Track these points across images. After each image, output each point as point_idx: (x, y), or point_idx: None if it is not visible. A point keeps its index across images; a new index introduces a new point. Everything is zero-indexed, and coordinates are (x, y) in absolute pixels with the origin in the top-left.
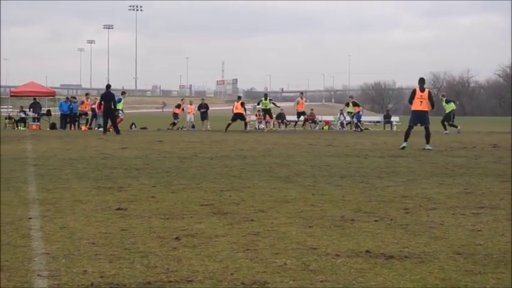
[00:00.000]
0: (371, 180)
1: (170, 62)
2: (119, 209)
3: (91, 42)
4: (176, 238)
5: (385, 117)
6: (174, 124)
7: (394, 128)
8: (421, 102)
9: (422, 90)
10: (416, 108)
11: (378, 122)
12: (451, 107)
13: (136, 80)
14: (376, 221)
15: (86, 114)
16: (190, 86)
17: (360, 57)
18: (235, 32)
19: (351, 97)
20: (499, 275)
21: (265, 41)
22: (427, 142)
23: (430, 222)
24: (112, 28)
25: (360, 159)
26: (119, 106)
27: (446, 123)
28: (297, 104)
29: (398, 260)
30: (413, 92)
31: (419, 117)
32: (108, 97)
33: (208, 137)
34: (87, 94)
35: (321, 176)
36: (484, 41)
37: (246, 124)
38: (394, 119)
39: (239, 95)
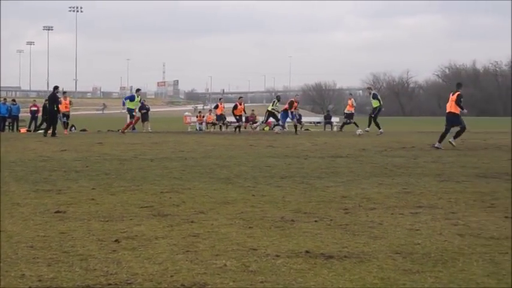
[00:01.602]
0: (311, 180)
1: (111, 63)
2: (57, 211)
3: (30, 43)
4: (116, 240)
5: (325, 118)
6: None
7: (335, 129)
8: (451, 105)
9: (453, 93)
10: (448, 110)
11: (318, 122)
12: (375, 103)
13: (76, 82)
14: (316, 221)
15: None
16: (131, 87)
17: (302, 59)
18: (176, 33)
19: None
20: (436, 274)
21: (207, 42)
22: (455, 138)
23: (369, 222)
24: (52, 29)
25: (300, 160)
26: (131, 105)
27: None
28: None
29: (337, 259)
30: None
31: (450, 118)
32: (51, 99)
33: (149, 138)
34: (64, 93)
35: (261, 177)
36: (424, 42)
37: (226, 126)
38: (335, 119)
39: (240, 96)
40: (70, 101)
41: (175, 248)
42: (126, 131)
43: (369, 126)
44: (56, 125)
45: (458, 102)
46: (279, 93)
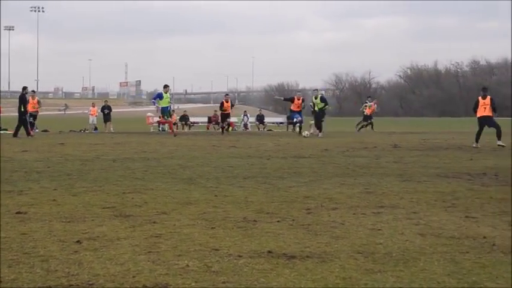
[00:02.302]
0: (274, 181)
1: (73, 64)
2: (18, 212)
3: None
4: (77, 241)
5: (288, 118)
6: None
7: (297, 129)
8: (485, 108)
9: (484, 97)
10: (481, 114)
11: (281, 123)
12: (321, 104)
13: (37, 82)
14: (278, 221)
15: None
16: (93, 87)
17: (264, 59)
18: (139, 33)
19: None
20: (398, 273)
21: (170, 43)
22: (499, 139)
23: (331, 222)
24: (13, 29)
25: (263, 160)
26: (163, 103)
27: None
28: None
29: (300, 260)
30: (477, 101)
31: (486, 121)
32: (20, 100)
33: (111, 139)
34: (34, 92)
35: (223, 178)
36: (386, 43)
37: (229, 126)
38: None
39: (227, 93)
40: (38, 101)
41: (137, 248)
42: (174, 131)
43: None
44: (24, 125)
45: (493, 105)
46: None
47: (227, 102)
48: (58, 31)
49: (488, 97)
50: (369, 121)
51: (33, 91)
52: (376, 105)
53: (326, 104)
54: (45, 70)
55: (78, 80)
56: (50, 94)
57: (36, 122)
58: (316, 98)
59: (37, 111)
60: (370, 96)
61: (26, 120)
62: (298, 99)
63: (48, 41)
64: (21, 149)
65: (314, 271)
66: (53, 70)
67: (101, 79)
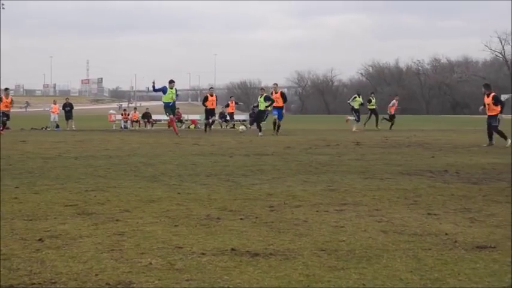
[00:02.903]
0: (237, 178)
1: (34, 61)
2: None
3: None
4: (39, 240)
5: (250, 115)
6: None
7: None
8: (488, 106)
9: (488, 95)
10: (488, 114)
11: (244, 120)
12: (261, 103)
13: None
14: (241, 219)
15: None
16: (55, 85)
17: (227, 57)
18: (101, 30)
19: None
20: (361, 270)
21: (132, 40)
22: (505, 139)
23: (294, 219)
24: None
25: (226, 157)
26: (164, 98)
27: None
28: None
29: (263, 257)
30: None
31: (488, 121)
32: None
33: (73, 136)
34: (6, 89)
35: (186, 175)
36: (349, 41)
37: (213, 122)
38: None
39: (211, 87)
40: (12, 100)
41: (100, 246)
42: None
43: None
44: None
45: (497, 102)
46: (358, 90)
47: (212, 96)
48: (19, 28)
49: (492, 94)
50: (393, 119)
51: (6, 89)
52: (396, 101)
53: (271, 102)
54: (6, 67)
55: (39, 77)
56: (11, 91)
57: (9, 121)
58: (260, 97)
59: (9, 110)
60: (373, 92)
61: None
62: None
63: (8, 38)
64: None
65: (277, 268)
66: (13, 67)
67: (62, 76)
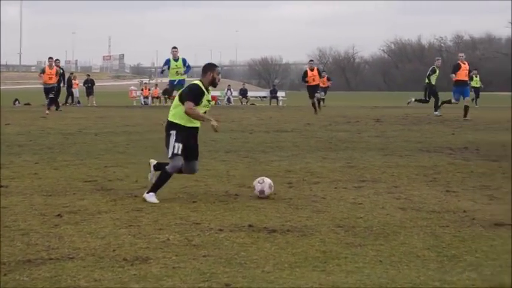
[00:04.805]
0: (256, 155)
1: (56, 37)
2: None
3: None
4: (58, 215)
5: (271, 92)
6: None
7: (280, 104)
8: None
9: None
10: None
11: (264, 97)
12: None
13: (20, 55)
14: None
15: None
16: (76, 61)
17: (248, 33)
18: (122, 7)
19: None
20: (378, 247)
21: (153, 15)
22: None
23: (312, 196)
24: None
25: (246, 134)
26: (170, 75)
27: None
28: None
29: (280, 233)
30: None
31: None
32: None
33: (93, 112)
34: (56, 60)
35: (206, 151)
36: (370, 17)
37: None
38: (280, 94)
39: (311, 60)
40: (57, 71)
41: (118, 222)
42: None
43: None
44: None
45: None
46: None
47: (312, 71)
48: (41, 3)
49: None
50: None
51: (50, 58)
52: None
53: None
54: (28, 43)
55: (61, 53)
56: (33, 68)
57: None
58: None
59: (54, 83)
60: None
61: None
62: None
63: (31, 14)
64: (3, 122)
65: (294, 245)
66: (35, 43)
67: (85, 52)
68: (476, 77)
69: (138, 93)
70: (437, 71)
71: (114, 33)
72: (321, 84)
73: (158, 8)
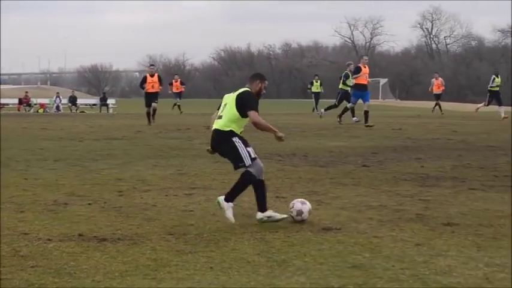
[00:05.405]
0: (86, 163)
1: None
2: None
3: None
4: None
5: (101, 100)
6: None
7: (111, 111)
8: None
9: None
10: None
11: (94, 104)
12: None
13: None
14: (89, 204)
15: None
16: None
17: (77, 40)
18: None
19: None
20: (209, 254)
21: None
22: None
23: (143, 204)
24: None
25: (75, 142)
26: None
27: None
28: None
29: (111, 242)
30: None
31: None
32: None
33: None
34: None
35: (34, 160)
36: (202, 25)
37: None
38: (111, 101)
39: (152, 63)
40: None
41: None
42: None
43: None
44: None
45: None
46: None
47: (152, 76)
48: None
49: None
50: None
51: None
52: (436, 81)
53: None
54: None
55: None
56: None
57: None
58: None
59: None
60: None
61: None
62: (365, 67)
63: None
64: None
65: (125, 253)
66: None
67: None
68: (316, 82)
69: None
70: (351, 76)
71: None
72: (174, 90)
73: None
